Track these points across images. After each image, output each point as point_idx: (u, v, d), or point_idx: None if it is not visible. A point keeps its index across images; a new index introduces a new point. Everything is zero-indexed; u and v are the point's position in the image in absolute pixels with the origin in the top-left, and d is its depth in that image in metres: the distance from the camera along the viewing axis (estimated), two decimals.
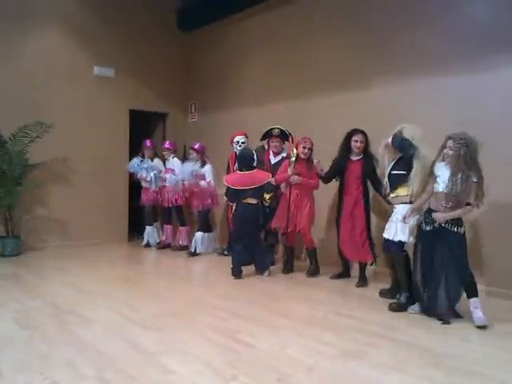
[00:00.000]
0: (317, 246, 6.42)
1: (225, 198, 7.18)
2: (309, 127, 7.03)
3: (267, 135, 6.82)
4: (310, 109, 7.27)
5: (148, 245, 8.51)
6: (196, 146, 7.65)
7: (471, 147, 4.23)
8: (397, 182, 4.84)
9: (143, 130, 9.56)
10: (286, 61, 7.69)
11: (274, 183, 6.35)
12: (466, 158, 4.24)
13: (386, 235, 4.91)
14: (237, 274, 6.17)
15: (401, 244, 4.83)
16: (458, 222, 4.40)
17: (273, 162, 6.79)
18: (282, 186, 6.56)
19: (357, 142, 5.74)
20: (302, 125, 7.18)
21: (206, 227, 7.76)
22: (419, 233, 4.60)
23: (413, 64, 6.04)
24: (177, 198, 7.92)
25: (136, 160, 8.04)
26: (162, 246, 8.34)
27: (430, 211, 4.51)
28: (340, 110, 6.82)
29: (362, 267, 5.94)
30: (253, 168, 6.20)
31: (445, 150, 4.37)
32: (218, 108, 8.89)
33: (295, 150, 6.15)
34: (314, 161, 6.03)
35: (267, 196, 6.39)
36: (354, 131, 5.81)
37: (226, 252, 7.55)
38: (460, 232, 4.42)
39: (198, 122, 9.49)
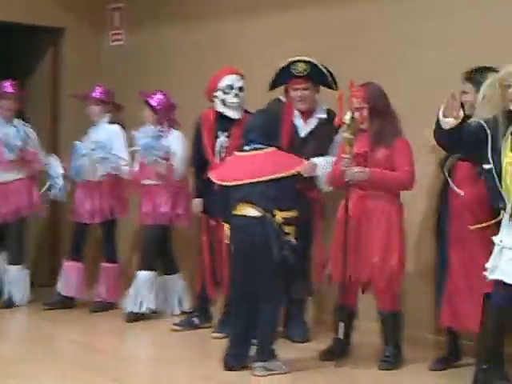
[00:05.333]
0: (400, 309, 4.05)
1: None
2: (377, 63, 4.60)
3: (284, 77, 4.41)
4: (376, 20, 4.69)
5: (10, 303, 5.36)
6: (154, 101, 5.07)
7: None
8: None
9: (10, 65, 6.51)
10: None
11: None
12: None
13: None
14: (232, 361, 3.87)
15: None
16: None
17: (302, 132, 4.37)
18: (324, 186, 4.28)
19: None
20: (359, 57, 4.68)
21: (166, 264, 5.17)
22: None
23: None
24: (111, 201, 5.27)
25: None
26: (59, 304, 5.34)
27: None
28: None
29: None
30: (269, 146, 3.89)
31: None
32: (171, 20, 6.00)
33: (349, 113, 3.86)
34: None
35: (280, 215, 3.78)
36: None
37: (196, 320, 4.77)
38: None
39: (126, 48, 6.46)
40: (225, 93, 4.46)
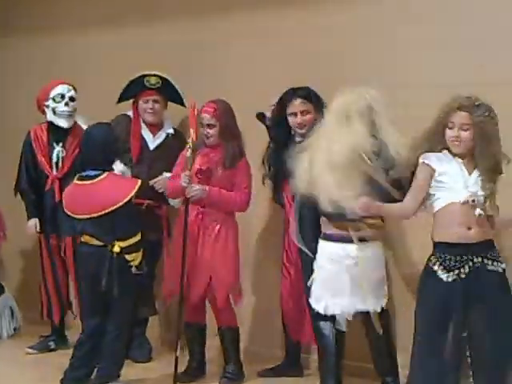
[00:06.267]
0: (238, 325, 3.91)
1: None
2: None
3: (134, 89, 4.29)
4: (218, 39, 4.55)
5: None
6: None
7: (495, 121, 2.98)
8: None
9: None
10: None
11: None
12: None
13: None
14: None
15: None
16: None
17: (152, 144, 4.25)
18: (175, 202, 4.10)
19: (296, 115, 3.72)
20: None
21: None
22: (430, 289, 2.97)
23: None
24: None
25: None
26: None
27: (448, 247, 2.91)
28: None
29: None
30: (103, 171, 3.63)
31: (449, 133, 2.95)
32: (11, 33, 5.54)
33: (192, 132, 3.71)
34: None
35: (119, 245, 3.57)
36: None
37: (52, 344, 4.51)
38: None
39: None
40: (55, 101, 4.30)
